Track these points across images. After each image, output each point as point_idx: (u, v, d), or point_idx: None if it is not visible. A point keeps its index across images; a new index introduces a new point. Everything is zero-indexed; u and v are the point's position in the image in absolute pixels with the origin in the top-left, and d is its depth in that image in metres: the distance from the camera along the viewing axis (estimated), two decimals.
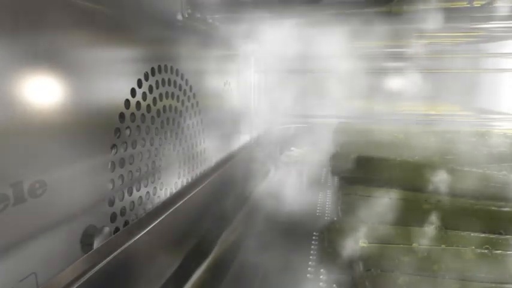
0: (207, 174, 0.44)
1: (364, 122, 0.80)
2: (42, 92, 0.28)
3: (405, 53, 0.88)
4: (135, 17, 0.40)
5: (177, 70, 0.50)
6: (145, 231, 0.28)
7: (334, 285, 0.36)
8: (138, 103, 0.41)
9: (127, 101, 0.39)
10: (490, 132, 0.67)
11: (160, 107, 0.46)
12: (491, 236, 0.32)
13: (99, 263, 0.23)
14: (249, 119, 0.87)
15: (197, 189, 0.38)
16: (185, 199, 0.35)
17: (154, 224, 0.30)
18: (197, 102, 0.57)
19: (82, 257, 0.24)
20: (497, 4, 0.50)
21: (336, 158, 0.57)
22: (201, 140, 0.60)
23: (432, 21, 0.54)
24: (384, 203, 0.38)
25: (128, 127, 0.39)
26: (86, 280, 0.22)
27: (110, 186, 0.36)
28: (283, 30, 0.70)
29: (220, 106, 0.69)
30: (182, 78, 0.52)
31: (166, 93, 0.47)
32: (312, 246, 0.43)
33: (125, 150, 0.39)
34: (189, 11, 0.51)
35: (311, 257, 0.41)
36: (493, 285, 0.26)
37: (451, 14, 0.53)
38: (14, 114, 0.26)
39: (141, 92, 0.41)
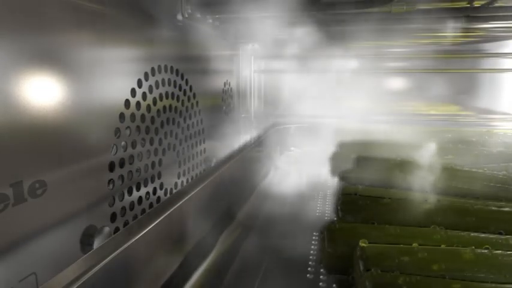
0: (207, 174, 0.44)
1: (364, 122, 0.80)
2: (42, 92, 0.28)
3: (405, 53, 0.88)
4: (135, 17, 0.40)
5: (177, 70, 0.50)
6: (145, 231, 0.28)
7: (334, 285, 0.36)
8: (138, 103, 0.41)
9: (127, 101, 0.39)
10: (490, 132, 0.67)
11: (160, 107, 0.46)
12: (491, 236, 0.32)
13: (99, 263, 0.23)
14: (249, 119, 0.87)
15: (197, 189, 0.38)
16: (185, 199, 0.35)
17: (154, 224, 0.30)
18: (197, 102, 0.57)
19: (82, 257, 0.24)
20: (497, 4, 0.50)
21: (336, 158, 0.57)
22: (201, 140, 0.60)
23: (432, 21, 0.54)
24: (383, 203, 0.38)
25: (128, 127, 0.39)
26: (86, 280, 0.22)
27: (110, 186, 0.36)
28: (282, 30, 0.70)
29: (220, 106, 0.69)
30: (182, 78, 0.52)
31: (166, 93, 0.47)
32: (312, 246, 0.43)
33: (125, 150, 0.39)
34: (189, 11, 0.51)
35: (311, 257, 0.41)
36: (493, 285, 0.26)
37: (451, 14, 0.53)
38: (14, 114, 0.26)
39: (141, 92, 0.41)
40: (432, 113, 0.88)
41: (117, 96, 0.37)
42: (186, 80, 0.53)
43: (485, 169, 0.44)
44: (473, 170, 0.44)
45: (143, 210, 0.43)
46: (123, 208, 0.39)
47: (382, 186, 0.42)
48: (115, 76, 0.37)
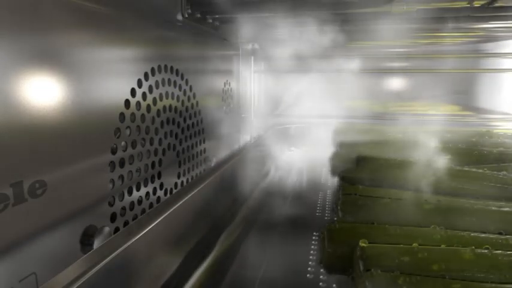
0: (207, 174, 0.44)
1: (364, 122, 0.80)
2: (42, 92, 0.28)
3: (405, 53, 0.88)
4: (135, 17, 0.40)
5: (177, 70, 0.50)
6: (145, 231, 0.28)
7: (334, 285, 0.36)
8: (138, 103, 0.41)
9: (127, 101, 0.39)
10: (490, 132, 0.67)
11: (160, 107, 0.46)
12: (491, 236, 0.32)
13: (99, 263, 0.23)
14: (249, 119, 0.87)
15: (197, 189, 0.38)
16: (185, 199, 0.35)
17: (154, 224, 0.30)
18: (197, 102, 0.57)
19: (82, 257, 0.24)
20: (497, 4, 0.50)
21: (336, 158, 0.57)
22: (201, 140, 0.60)
23: (432, 21, 0.54)
24: (383, 203, 0.38)
25: (128, 127, 0.39)
26: (86, 280, 0.22)
27: (110, 186, 0.36)
28: (283, 30, 0.70)
29: (220, 106, 0.69)
30: (182, 78, 0.52)
31: (166, 93, 0.47)
32: (312, 246, 0.43)
33: (125, 150, 0.39)
34: (189, 11, 0.51)
35: (311, 257, 0.41)
36: (493, 285, 0.26)
37: (451, 14, 0.53)
38: (14, 114, 0.26)
39: (141, 92, 0.41)
40: (432, 113, 0.88)
41: (117, 96, 0.37)
42: (186, 80, 0.53)
43: (485, 169, 0.44)
44: (473, 170, 0.44)
45: (143, 210, 0.43)
46: (123, 208, 0.39)
47: (382, 186, 0.42)
48: (115, 76, 0.37)
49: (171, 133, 0.49)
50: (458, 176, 0.43)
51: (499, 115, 0.86)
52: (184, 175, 0.54)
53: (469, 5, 0.52)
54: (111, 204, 0.37)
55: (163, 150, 0.47)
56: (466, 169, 0.44)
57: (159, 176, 0.46)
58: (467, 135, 0.65)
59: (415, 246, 0.29)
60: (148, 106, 0.43)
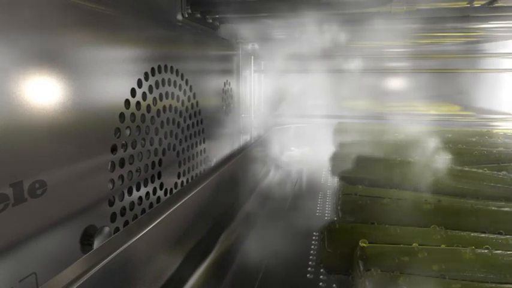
0: (207, 174, 0.44)
1: (364, 122, 0.80)
2: (42, 92, 0.28)
3: (405, 53, 0.88)
4: (135, 17, 0.40)
5: (177, 70, 0.50)
6: (145, 231, 0.28)
7: (334, 285, 0.36)
8: (138, 103, 0.41)
9: (127, 101, 0.39)
10: (490, 132, 0.67)
11: (160, 107, 0.46)
12: (491, 236, 0.32)
13: (99, 263, 0.23)
14: (249, 119, 0.87)
15: (197, 189, 0.38)
16: (185, 199, 0.35)
17: (154, 224, 0.30)
18: (197, 102, 0.57)
19: (82, 257, 0.24)
20: (497, 4, 0.50)
21: (336, 158, 0.57)
22: (201, 140, 0.60)
23: (432, 21, 0.54)
24: (383, 203, 0.38)
25: (128, 127, 0.39)
26: (86, 280, 0.22)
27: (110, 186, 0.36)
28: (282, 30, 0.70)
29: (220, 106, 0.69)
30: (182, 78, 0.52)
31: (166, 93, 0.47)
32: (312, 246, 0.43)
33: (125, 150, 0.39)
34: (189, 11, 0.51)
35: (311, 257, 0.41)
36: (493, 285, 0.26)
37: (451, 14, 0.53)
38: (14, 114, 0.26)
39: (141, 92, 0.41)
40: (432, 113, 0.88)
41: (117, 96, 0.37)
42: (186, 80, 0.53)
43: (485, 169, 0.44)
44: (473, 170, 0.44)
45: (143, 210, 0.43)
46: (123, 208, 0.39)
47: (382, 186, 0.42)
48: (115, 76, 0.37)
49: (171, 133, 0.49)
50: (458, 176, 0.42)
51: (499, 115, 0.86)
52: (184, 175, 0.54)
53: (469, 5, 0.52)
54: (111, 204, 0.37)
55: (163, 150, 0.47)
56: (466, 169, 0.44)
57: (159, 176, 0.46)
58: (467, 135, 0.65)
59: (415, 246, 0.29)
60: (148, 106, 0.43)
